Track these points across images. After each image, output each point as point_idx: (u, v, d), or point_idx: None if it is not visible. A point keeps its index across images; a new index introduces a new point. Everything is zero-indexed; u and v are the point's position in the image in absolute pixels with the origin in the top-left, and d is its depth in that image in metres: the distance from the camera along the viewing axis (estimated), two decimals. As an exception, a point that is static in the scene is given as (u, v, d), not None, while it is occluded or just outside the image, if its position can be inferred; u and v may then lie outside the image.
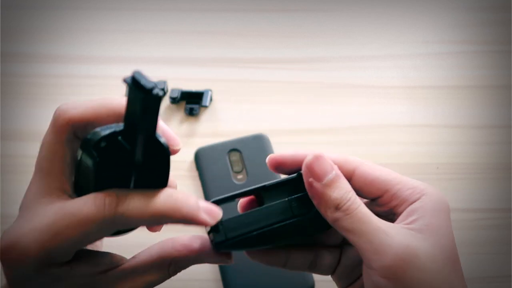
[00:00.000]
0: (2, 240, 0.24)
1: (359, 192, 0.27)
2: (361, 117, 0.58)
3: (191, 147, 0.55)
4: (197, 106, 0.58)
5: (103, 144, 0.23)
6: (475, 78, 0.61)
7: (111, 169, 0.24)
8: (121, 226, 0.24)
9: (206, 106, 0.57)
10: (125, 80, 0.21)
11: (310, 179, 0.26)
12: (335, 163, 0.27)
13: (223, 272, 0.47)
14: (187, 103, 0.58)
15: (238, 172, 0.52)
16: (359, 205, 0.26)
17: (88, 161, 0.24)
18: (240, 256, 0.47)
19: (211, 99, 0.58)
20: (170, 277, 0.28)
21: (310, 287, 0.47)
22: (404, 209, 0.27)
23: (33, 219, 0.24)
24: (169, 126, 0.59)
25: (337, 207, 0.26)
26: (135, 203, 0.24)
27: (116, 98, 0.26)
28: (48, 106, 0.59)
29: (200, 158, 0.53)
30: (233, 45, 0.63)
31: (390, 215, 0.28)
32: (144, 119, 0.22)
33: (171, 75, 0.61)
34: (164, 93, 0.22)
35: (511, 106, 0.58)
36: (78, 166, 0.25)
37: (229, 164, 0.53)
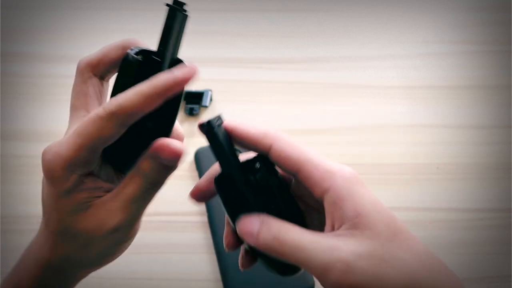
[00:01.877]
0: (44, 150, 0.29)
1: (280, 165, 0.28)
2: (361, 117, 0.58)
3: (191, 147, 0.55)
4: (197, 106, 0.58)
5: (140, 56, 0.29)
6: (475, 78, 0.61)
7: (144, 77, 0.28)
8: (124, 120, 0.27)
9: (206, 106, 0.57)
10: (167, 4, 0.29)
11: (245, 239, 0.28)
12: (254, 139, 0.29)
13: (223, 272, 0.47)
14: (187, 103, 0.58)
15: (238, 172, 0.52)
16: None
17: (130, 67, 0.29)
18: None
19: (211, 99, 0.58)
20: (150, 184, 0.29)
21: (310, 287, 0.47)
22: (318, 194, 0.27)
23: (62, 139, 0.29)
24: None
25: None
26: (128, 94, 0.27)
27: (117, 41, 0.32)
28: (48, 106, 0.59)
29: (200, 158, 0.53)
30: (233, 45, 0.63)
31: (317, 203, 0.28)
32: (173, 34, 0.29)
33: (171, 75, 0.61)
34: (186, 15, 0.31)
35: (511, 106, 0.59)
36: (117, 78, 0.30)
37: (229, 164, 0.53)
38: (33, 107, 0.58)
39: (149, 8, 0.66)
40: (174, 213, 0.51)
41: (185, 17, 0.29)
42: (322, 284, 0.25)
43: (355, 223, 0.25)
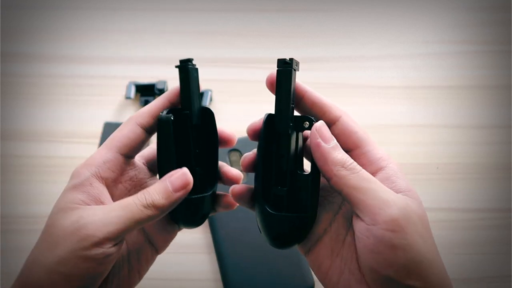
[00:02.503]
0: (82, 218, 0.29)
1: (341, 138, 0.31)
2: (361, 117, 0.58)
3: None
4: (197, 106, 0.58)
5: (170, 115, 0.31)
6: (475, 78, 0.61)
7: (180, 131, 0.32)
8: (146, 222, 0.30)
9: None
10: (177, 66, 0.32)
11: (318, 140, 0.29)
12: (324, 106, 0.32)
13: (223, 272, 0.47)
14: (187, 103, 0.58)
15: (238, 172, 0.53)
16: (361, 168, 0.29)
17: (166, 126, 0.31)
18: (239, 256, 0.48)
19: (211, 99, 0.58)
20: None
21: (310, 287, 0.47)
22: (372, 172, 0.30)
23: (103, 211, 0.29)
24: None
25: (343, 166, 0.28)
26: (159, 191, 0.30)
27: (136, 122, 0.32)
28: (48, 106, 0.59)
29: (200, 158, 0.53)
30: (233, 45, 0.63)
31: None
32: (190, 88, 0.32)
33: (171, 75, 0.61)
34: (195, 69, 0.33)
35: (511, 106, 0.59)
36: (158, 140, 0.31)
37: (229, 164, 0.53)
38: (33, 107, 0.58)
39: (149, 8, 0.66)
40: (174, 213, 0.50)
41: (195, 70, 0.32)
42: (372, 221, 0.27)
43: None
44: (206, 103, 0.57)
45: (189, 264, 0.49)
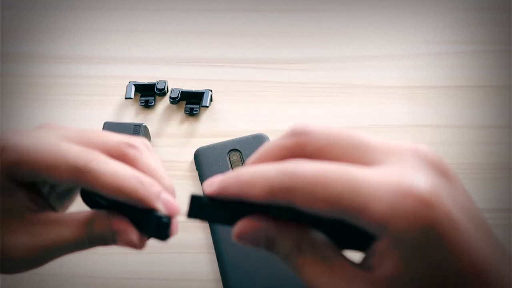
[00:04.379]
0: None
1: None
2: (361, 117, 0.58)
3: (191, 147, 0.55)
4: (197, 106, 0.58)
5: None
6: (475, 78, 0.61)
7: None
8: (83, 184, 0.25)
9: (206, 106, 0.57)
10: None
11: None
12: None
13: (223, 272, 0.47)
14: (187, 103, 0.58)
15: (238, 172, 0.52)
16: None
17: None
18: (239, 256, 0.48)
19: (211, 99, 0.58)
20: (86, 243, 0.27)
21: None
22: None
23: (32, 136, 0.26)
24: (169, 126, 0.59)
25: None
26: (106, 167, 0.25)
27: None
28: (48, 106, 0.59)
29: (200, 158, 0.53)
30: (233, 45, 0.63)
31: None
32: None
33: (171, 75, 0.61)
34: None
35: (511, 106, 0.59)
36: None
37: (229, 164, 0.53)
38: (33, 107, 0.58)
39: (149, 8, 0.66)
40: (174, 213, 0.50)
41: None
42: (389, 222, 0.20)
43: None
44: (206, 103, 0.57)
45: (189, 264, 0.49)
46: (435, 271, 0.19)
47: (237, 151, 0.53)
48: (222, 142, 0.54)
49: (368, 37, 0.64)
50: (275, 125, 0.57)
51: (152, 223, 0.26)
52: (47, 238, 0.26)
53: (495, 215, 0.52)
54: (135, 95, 0.59)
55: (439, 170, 0.21)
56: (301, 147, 0.22)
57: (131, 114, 0.58)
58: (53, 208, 0.29)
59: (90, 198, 0.28)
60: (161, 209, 0.26)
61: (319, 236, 0.22)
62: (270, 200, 0.21)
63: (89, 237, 0.27)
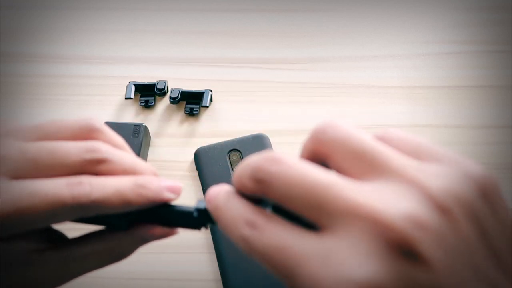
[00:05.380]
0: None
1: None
2: (361, 117, 0.58)
3: (191, 147, 0.55)
4: (197, 106, 0.58)
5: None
6: (475, 78, 0.61)
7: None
8: (89, 213, 0.24)
9: (206, 106, 0.57)
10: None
11: None
12: None
13: (223, 272, 0.47)
14: (187, 103, 0.58)
15: (238, 172, 0.52)
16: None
17: None
18: (239, 256, 0.48)
19: (211, 99, 0.58)
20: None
21: (310, 287, 0.47)
22: None
23: None
24: (169, 126, 0.59)
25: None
26: (107, 190, 0.24)
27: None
28: (48, 106, 0.59)
29: (200, 158, 0.53)
30: (233, 45, 0.63)
31: None
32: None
33: (171, 75, 0.61)
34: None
35: (511, 106, 0.59)
36: None
37: (229, 164, 0.53)
38: (33, 107, 0.58)
39: (149, 8, 0.66)
40: (174, 213, 0.50)
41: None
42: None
43: None
44: (206, 103, 0.57)
45: (189, 264, 0.49)
46: None
47: (237, 151, 0.53)
48: (222, 142, 0.54)
49: (368, 37, 0.64)
50: (275, 125, 0.57)
51: (195, 219, 0.26)
52: (66, 275, 0.26)
53: (495, 215, 0.52)
54: (135, 95, 0.59)
55: (447, 215, 0.17)
56: (317, 152, 0.21)
57: (131, 114, 0.58)
58: (57, 235, 0.27)
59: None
60: (171, 197, 0.26)
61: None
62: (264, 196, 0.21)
63: (114, 258, 0.27)
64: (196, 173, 0.53)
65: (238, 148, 0.53)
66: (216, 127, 0.57)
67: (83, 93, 0.59)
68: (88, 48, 0.63)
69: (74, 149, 0.24)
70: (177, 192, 0.26)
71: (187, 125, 0.58)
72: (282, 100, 0.59)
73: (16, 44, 0.63)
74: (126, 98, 0.58)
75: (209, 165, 0.52)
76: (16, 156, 0.24)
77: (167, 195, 0.25)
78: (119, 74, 0.61)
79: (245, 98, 0.59)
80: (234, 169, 0.53)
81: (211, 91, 0.58)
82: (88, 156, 0.24)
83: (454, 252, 0.16)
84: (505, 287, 0.17)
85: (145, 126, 0.55)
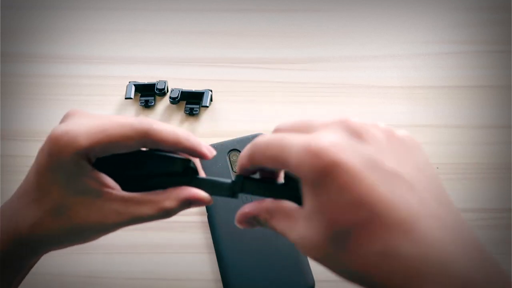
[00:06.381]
0: (56, 129, 0.29)
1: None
2: (361, 117, 0.58)
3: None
4: (197, 106, 0.58)
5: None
6: (475, 78, 0.61)
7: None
8: (149, 143, 0.30)
9: (206, 106, 0.57)
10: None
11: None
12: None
13: (223, 272, 0.47)
14: (187, 103, 0.58)
15: (238, 172, 0.52)
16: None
17: None
18: (239, 256, 0.48)
19: (211, 99, 0.58)
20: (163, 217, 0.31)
21: (310, 287, 0.47)
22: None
23: (85, 121, 0.30)
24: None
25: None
26: (163, 126, 0.30)
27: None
28: (48, 106, 0.59)
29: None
30: (233, 45, 0.63)
31: None
32: None
33: (171, 75, 0.61)
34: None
35: (511, 106, 0.59)
36: None
37: (229, 164, 0.53)
38: (33, 107, 0.58)
39: (149, 8, 0.66)
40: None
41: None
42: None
43: None
44: (206, 103, 0.57)
45: (189, 264, 0.49)
46: (331, 204, 0.24)
47: (237, 151, 0.53)
48: (222, 142, 0.54)
49: (368, 37, 0.64)
50: (275, 125, 0.57)
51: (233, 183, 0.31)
52: (127, 216, 0.30)
53: (495, 215, 0.52)
54: (135, 95, 0.59)
55: (354, 132, 0.26)
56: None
57: (131, 114, 0.58)
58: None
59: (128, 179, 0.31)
60: (206, 152, 0.31)
61: (284, 202, 0.28)
62: (252, 165, 0.29)
63: (162, 214, 0.30)
64: (196, 173, 0.53)
65: (238, 148, 0.53)
66: (216, 127, 0.57)
67: (83, 93, 0.59)
68: (88, 48, 0.63)
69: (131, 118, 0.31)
70: (211, 152, 0.31)
71: (187, 125, 0.58)
72: (282, 100, 0.59)
73: (16, 44, 0.63)
74: (126, 98, 0.58)
75: (209, 165, 0.52)
76: (104, 115, 0.31)
77: (204, 149, 0.31)
78: (119, 74, 0.61)
79: (245, 98, 0.59)
80: (235, 169, 0.53)
81: (211, 91, 0.58)
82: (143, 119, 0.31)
83: (388, 148, 0.26)
84: (422, 182, 0.25)
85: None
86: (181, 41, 0.63)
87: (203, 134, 0.57)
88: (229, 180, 0.31)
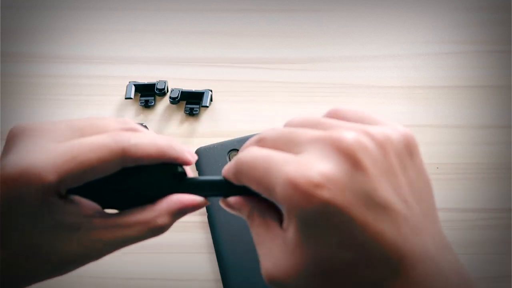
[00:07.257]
0: (8, 166, 0.25)
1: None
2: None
3: (191, 147, 0.55)
4: (197, 106, 0.58)
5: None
6: (475, 78, 0.61)
7: None
8: (129, 161, 0.27)
9: (206, 106, 0.57)
10: None
11: None
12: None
13: (223, 272, 0.47)
14: (187, 103, 0.58)
15: (238, 172, 0.52)
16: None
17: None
18: (239, 256, 0.48)
19: (211, 99, 0.58)
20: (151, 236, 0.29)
21: (310, 287, 0.47)
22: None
23: (44, 147, 0.26)
24: (169, 126, 0.59)
25: None
26: (142, 138, 0.27)
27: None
28: (48, 106, 0.59)
29: (200, 158, 0.53)
30: (233, 45, 0.63)
31: None
32: None
33: (171, 75, 0.61)
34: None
35: (511, 106, 0.59)
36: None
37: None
38: (33, 107, 0.58)
39: (149, 8, 0.66)
40: (174, 213, 0.50)
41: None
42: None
43: None
44: (206, 103, 0.57)
45: (189, 264, 0.49)
46: (319, 242, 0.23)
47: (237, 151, 0.53)
48: (222, 142, 0.54)
49: (368, 37, 0.64)
50: (275, 125, 0.57)
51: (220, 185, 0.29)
52: (114, 243, 0.27)
53: (495, 215, 0.52)
54: (135, 95, 0.59)
55: (345, 156, 0.23)
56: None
57: (131, 114, 0.58)
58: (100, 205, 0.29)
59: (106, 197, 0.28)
60: (190, 159, 0.29)
61: (268, 204, 0.27)
62: (239, 183, 0.27)
63: (155, 233, 0.28)
64: (196, 173, 0.53)
65: (238, 148, 0.54)
66: (216, 127, 0.57)
67: (83, 93, 0.59)
68: (88, 48, 0.63)
69: (112, 122, 0.28)
70: (194, 156, 0.30)
71: (187, 125, 0.58)
72: (282, 100, 0.59)
73: (16, 44, 0.63)
74: (126, 98, 0.58)
75: (209, 165, 0.52)
76: (63, 126, 0.27)
77: (188, 156, 0.29)
78: (119, 74, 0.61)
79: (245, 98, 0.59)
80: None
81: (211, 91, 0.58)
82: (123, 125, 0.28)
83: (382, 168, 0.24)
84: (413, 205, 0.24)
85: (145, 126, 0.55)
86: (181, 41, 0.63)
87: (203, 134, 0.57)
88: (221, 177, 0.29)
